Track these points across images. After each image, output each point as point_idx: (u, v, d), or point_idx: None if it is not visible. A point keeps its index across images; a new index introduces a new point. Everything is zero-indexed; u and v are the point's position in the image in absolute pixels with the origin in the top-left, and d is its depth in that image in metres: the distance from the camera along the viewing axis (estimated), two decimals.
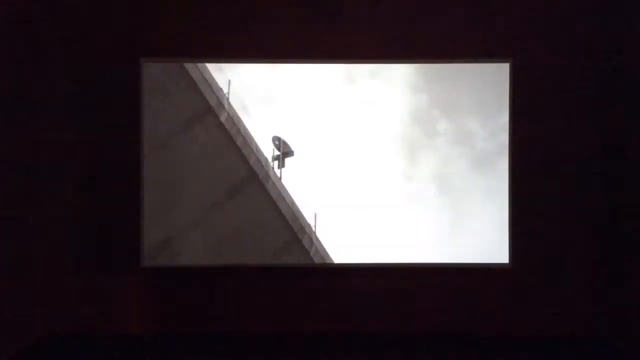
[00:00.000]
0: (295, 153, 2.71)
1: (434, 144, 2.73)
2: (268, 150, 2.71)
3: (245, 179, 2.71)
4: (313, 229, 2.72)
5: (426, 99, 2.72)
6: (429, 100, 2.72)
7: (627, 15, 2.65)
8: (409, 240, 2.72)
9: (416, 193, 2.73)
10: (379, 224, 2.73)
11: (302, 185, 2.72)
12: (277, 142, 2.70)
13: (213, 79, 2.69)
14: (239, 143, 2.70)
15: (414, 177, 2.73)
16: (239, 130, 2.70)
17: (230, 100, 2.70)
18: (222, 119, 2.70)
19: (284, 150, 2.71)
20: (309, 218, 2.72)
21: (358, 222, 2.73)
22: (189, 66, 2.69)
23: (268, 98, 2.71)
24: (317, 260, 2.72)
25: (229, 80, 2.70)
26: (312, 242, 2.72)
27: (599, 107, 2.76)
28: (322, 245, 2.72)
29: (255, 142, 2.71)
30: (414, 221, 2.72)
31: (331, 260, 2.72)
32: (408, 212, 2.73)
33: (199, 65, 2.69)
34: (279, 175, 2.71)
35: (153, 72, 2.67)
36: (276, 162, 2.71)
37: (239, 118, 2.70)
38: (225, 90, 2.70)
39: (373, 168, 2.74)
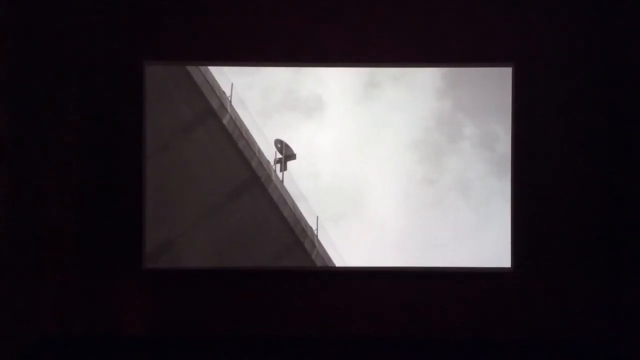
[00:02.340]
0: (297, 156, 2.70)
1: (457, 148, 2.71)
2: (270, 153, 2.71)
3: (247, 181, 2.71)
4: (315, 232, 2.71)
5: (451, 103, 2.70)
6: (454, 104, 2.70)
7: (631, 16, 2.65)
8: (430, 244, 2.71)
9: (438, 197, 2.71)
10: (398, 228, 2.71)
11: (307, 188, 2.71)
12: (279, 145, 2.70)
13: (215, 81, 2.69)
14: (240, 145, 2.70)
15: (437, 181, 2.70)
16: (241, 133, 2.70)
17: (241, 103, 2.69)
18: (225, 121, 2.70)
19: (286, 154, 2.70)
20: (311, 221, 2.72)
21: (373, 227, 2.71)
22: (191, 68, 2.69)
23: (290, 102, 2.70)
24: (318, 263, 2.72)
25: (232, 83, 2.69)
26: (313, 245, 2.72)
27: (602, 110, 2.76)
28: (323, 248, 2.72)
29: (257, 145, 2.70)
30: (435, 225, 2.71)
31: (333, 263, 2.72)
32: (430, 216, 2.71)
33: (202, 67, 2.69)
34: (280, 178, 2.71)
35: (155, 74, 2.68)
36: (278, 165, 2.70)
37: (241, 121, 2.70)
38: (228, 93, 2.70)
39: (393, 172, 2.72)
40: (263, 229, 2.71)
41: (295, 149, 2.71)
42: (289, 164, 2.70)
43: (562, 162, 2.76)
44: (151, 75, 2.67)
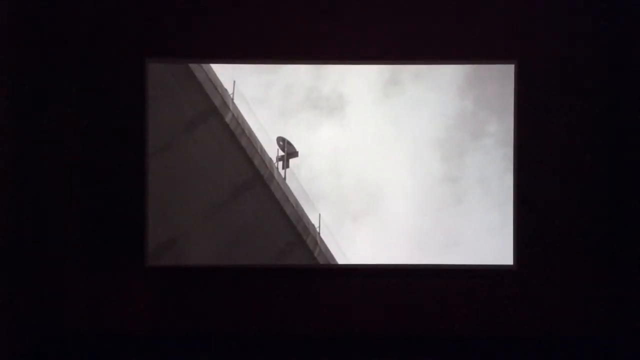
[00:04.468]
0: (299, 154, 2.71)
1: (479, 145, 2.71)
2: (273, 151, 2.72)
3: (249, 179, 2.71)
4: (317, 229, 2.72)
5: (473, 101, 2.70)
6: (476, 102, 2.71)
7: (634, 14, 2.66)
8: (449, 242, 2.71)
9: (460, 195, 2.71)
10: (418, 226, 2.71)
11: (327, 187, 2.71)
12: (281, 143, 2.70)
13: (218, 78, 2.69)
14: (243, 144, 2.70)
15: (458, 179, 2.71)
16: (243, 130, 2.70)
17: (243, 101, 2.69)
18: (227, 119, 2.70)
19: (289, 151, 2.70)
20: (315, 219, 2.72)
21: (394, 225, 2.71)
22: (193, 66, 2.69)
23: (311, 100, 2.69)
24: (321, 261, 2.72)
25: (234, 81, 2.70)
26: (316, 243, 2.72)
27: (606, 109, 2.76)
28: (326, 246, 2.72)
29: (259, 143, 2.70)
30: (456, 223, 2.71)
31: (335, 261, 2.72)
32: (451, 214, 2.71)
33: (204, 65, 2.68)
34: (283, 175, 2.71)
35: (158, 72, 2.68)
36: (281, 163, 2.71)
37: (243, 119, 2.70)
38: (230, 91, 2.70)
39: (415, 170, 2.71)
40: (266, 227, 2.71)
41: (314, 147, 2.70)
42: (296, 161, 2.70)
43: (564, 161, 2.77)
44: (153, 73, 2.67)
